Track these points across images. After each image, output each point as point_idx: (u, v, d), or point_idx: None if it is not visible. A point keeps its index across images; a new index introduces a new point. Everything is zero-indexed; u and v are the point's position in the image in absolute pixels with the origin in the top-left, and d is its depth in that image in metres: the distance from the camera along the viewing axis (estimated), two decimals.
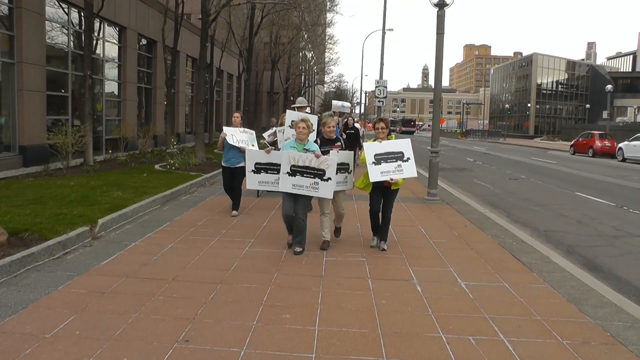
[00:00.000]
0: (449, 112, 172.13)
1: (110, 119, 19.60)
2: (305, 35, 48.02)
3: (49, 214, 7.63)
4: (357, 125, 17.11)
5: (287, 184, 6.58)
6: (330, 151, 6.99)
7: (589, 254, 7.67)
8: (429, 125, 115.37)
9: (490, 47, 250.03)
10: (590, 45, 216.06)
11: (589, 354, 3.99)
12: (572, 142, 37.53)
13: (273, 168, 7.24)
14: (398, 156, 6.72)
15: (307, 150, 6.69)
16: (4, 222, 6.78)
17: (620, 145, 30.69)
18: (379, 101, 24.57)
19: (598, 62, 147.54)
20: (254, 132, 9.29)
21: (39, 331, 4.06)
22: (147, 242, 7.07)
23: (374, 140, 6.94)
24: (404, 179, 6.79)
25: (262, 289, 5.28)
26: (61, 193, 9.55)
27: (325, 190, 6.61)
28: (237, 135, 8.88)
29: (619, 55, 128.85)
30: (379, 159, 6.68)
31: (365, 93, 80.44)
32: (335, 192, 6.95)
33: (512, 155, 32.89)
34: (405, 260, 6.56)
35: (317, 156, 6.56)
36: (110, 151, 18.07)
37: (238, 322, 4.39)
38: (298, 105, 9.91)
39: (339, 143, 7.27)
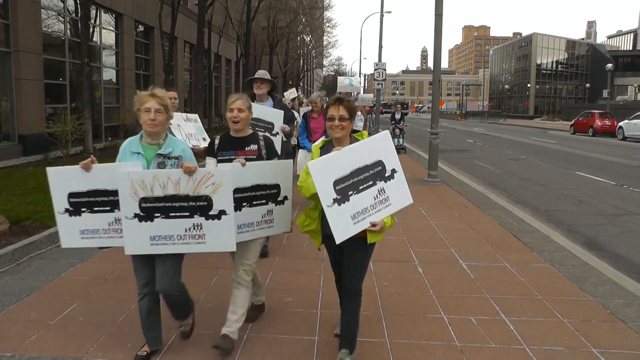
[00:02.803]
0: (449, 94, 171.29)
1: (109, 107, 19.54)
2: (303, 19, 47.74)
3: (50, 202, 7.60)
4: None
5: (138, 237, 3.38)
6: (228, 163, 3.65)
7: (590, 233, 7.69)
8: (428, 107, 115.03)
9: (489, 27, 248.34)
10: (591, 24, 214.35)
11: (590, 331, 4.02)
12: (572, 122, 37.39)
13: (104, 201, 3.52)
14: (376, 172, 3.34)
15: (164, 159, 3.41)
16: (6, 211, 6.79)
17: (620, 124, 30.58)
18: (378, 84, 24.46)
19: (598, 40, 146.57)
20: (197, 116, 6.11)
21: (43, 318, 4.09)
22: None
23: (323, 147, 3.52)
24: (394, 214, 3.43)
25: (264, 273, 5.29)
26: None
27: (216, 237, 3.42)
28: (183, 127, 5.52)
29: (620, 34, 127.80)
30: (344, 188, 3.23)
31: (364, 76, 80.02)
32: (243, 244, 3.69)
33: (512, 135, 32.81)
34: (406, 241, 6.58)
35: (189, 170, 3.31)
36: (109, 138, 18.06)
37: None
38: (258, 76, 6.12)
39: (253, 146, 3.79)
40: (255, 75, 6.17)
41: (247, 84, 6.31)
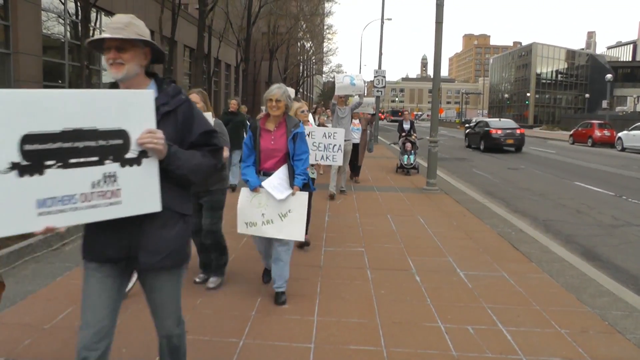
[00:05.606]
0: (448, 102, 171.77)
1: None
2: (304, 25, 47.85)
3: None
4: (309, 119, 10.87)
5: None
6: None
7: (588, 244, 7.67)
8: (427, 115, 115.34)
9: (489, 36, 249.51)
10: (590, 35, 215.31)
11: (587, 342, 3.99)
12: (572, 132, 37.39)
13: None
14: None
15: None
16: None
17: (619, 134, 30.62)
18: (377, 91, 24.52)
19: (598, 51, 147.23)
20: None
21: (38, 322, 4.06)
22: None
23: None
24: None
25: (260, 279, 5.27)
26: None
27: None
28: None
29: (619, 45, 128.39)
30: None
31: (364, 82, 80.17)
32: None
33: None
34: (404, 250, 6.55)
35: None
36: None
37: (236, 313, 4.38)
38: (110, 36, 2.37)
39: None
40: (106, 33, 2.42)
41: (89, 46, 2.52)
